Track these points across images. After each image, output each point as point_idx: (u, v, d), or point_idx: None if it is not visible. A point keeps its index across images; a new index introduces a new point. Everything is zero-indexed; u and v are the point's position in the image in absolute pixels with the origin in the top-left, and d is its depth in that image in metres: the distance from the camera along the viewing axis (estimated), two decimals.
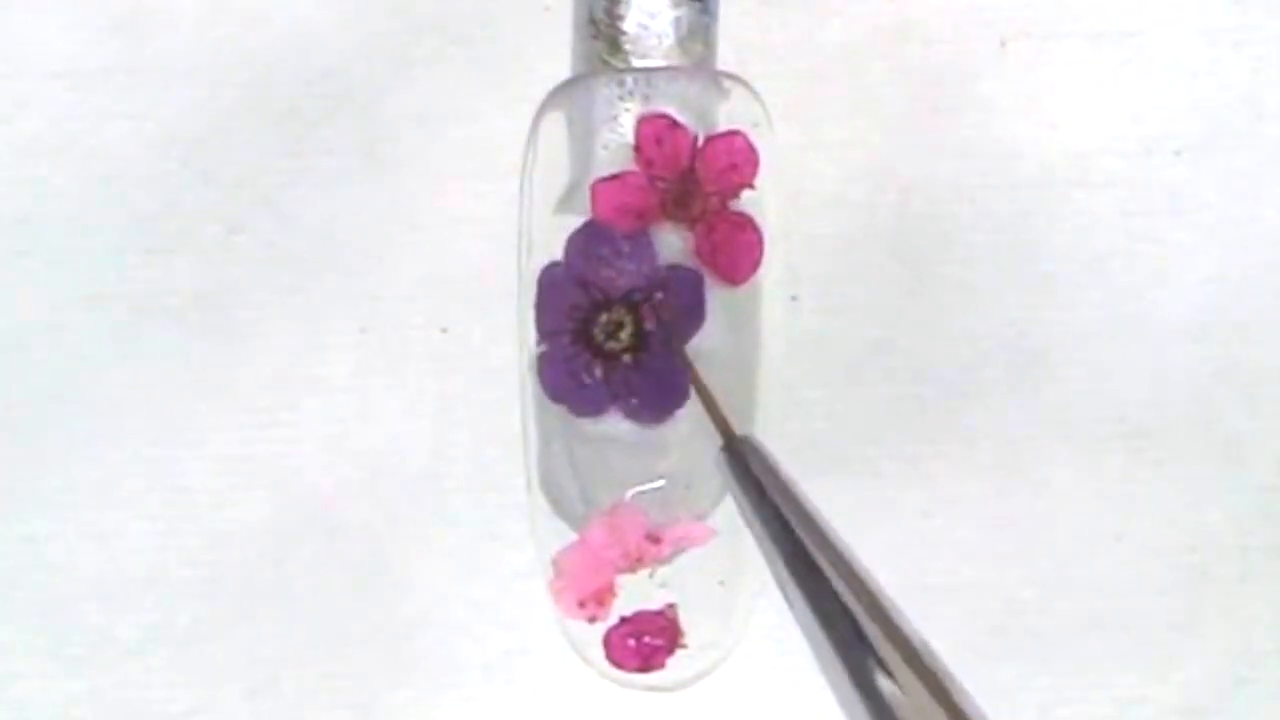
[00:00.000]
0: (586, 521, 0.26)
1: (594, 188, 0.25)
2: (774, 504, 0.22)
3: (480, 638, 0.36)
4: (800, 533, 0.22)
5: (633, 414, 0.25)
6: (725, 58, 0.27)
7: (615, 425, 0.25)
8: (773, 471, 0.23)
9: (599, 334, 0.25)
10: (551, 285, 0.26)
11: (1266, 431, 0.37)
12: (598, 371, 0.25)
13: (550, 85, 0.27)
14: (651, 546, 0.25)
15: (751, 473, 0.23)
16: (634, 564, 0.26)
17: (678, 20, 0.26)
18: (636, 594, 0.26)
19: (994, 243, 0.37)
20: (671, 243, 0.25)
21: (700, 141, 0.26)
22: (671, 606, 0.26)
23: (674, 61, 0.26)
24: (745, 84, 0.26)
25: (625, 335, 0.25)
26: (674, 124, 0.25)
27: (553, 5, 0.36)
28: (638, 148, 0.25)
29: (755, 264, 0.26)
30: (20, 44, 0.37)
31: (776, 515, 0.22)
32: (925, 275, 0.37)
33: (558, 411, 0.26)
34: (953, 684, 0.20)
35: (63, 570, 0.36)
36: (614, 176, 0.25)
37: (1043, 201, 0.37)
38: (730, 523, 0.26)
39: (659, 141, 0.25)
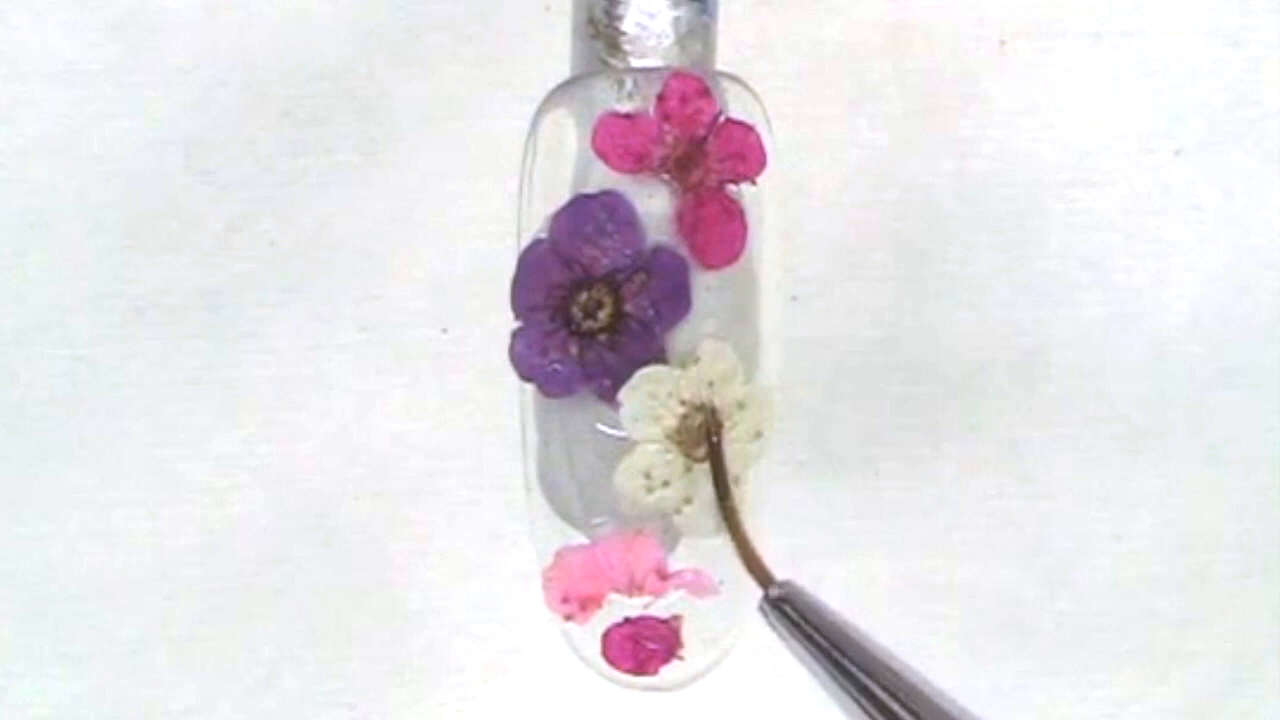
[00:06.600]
0: (601, 531, 0.26)
1: (602, 119, 0.25)
2: (830, 652, 0.22)
3: (480, 638, 0.36)
4: (864, 678, 0.22)
5: (605, 396, 0.25)
6: (725, 58, 0.27)
7: (615, 425, 0.25)
8: (822, 615, 0.22)
9: (577, 312, 0.25)
10: (533, 261, 0.25)
11: (1266, 431, 0.37)
12: (573, 350, 0.25)
13: (550, 85, 0.27)
14: (657, 582, 0.25)
15: (799, 622, 0.23)
16: (633, 591, 0.26)
17: (677, 20, 0.26)
18: (639, 597, 0.26)
19: (994, 243, 0.37)
20: (656, 200, 0.25)
21: (722, 119, 0.25)
22: (677, 618, 0.26)
23: (673, 61, 0.26)
24: (745, 84, 0.26)
25: (604, 315, 0.25)
26: (705, 90, 0.25)
27: (553, 5, 0.36)
28: (661, 97, 0.25)
29: (733, 255, 0.25)
30: (20, 44, 0.37)
31: (834, 663, 0.22)
32: (925, 275, 0.37)
33: (558, 411, 0.26)
34: None
35: (63, 570, 0.36)
36: (627, 115, 0.25)
37: (1043, 201, 0.37)
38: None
39: (684, 100, 0.25)
